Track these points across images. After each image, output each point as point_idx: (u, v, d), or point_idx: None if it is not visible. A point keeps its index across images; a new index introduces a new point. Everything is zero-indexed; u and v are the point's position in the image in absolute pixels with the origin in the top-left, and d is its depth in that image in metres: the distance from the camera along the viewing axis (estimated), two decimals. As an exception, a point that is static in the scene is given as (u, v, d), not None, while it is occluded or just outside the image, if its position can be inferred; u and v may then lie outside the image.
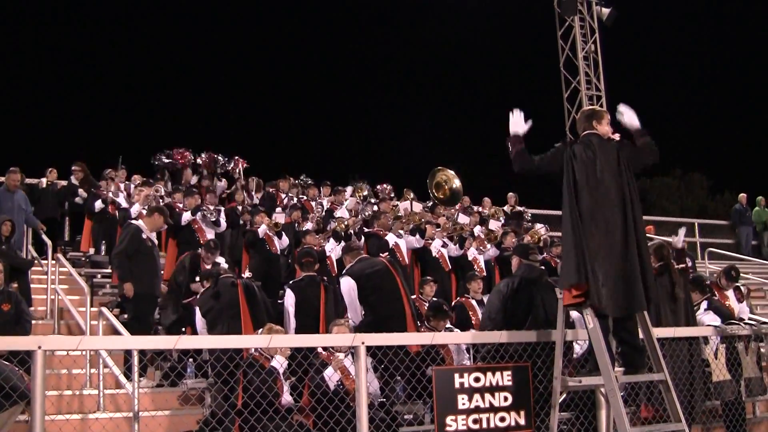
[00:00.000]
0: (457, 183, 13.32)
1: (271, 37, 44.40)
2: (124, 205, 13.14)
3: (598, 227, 5.75)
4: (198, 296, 9.38)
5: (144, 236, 9.98)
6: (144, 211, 11.61)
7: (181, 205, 13.11)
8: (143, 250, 9.89)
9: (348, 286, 8.58)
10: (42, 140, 32.01)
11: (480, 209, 16.69)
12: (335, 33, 46.46)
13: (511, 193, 17.74)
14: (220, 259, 10.99)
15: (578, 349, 8.60)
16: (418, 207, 14.70)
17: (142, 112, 38.31)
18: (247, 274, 9.45)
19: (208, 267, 10.41)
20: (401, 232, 12.95)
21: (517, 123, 6.21)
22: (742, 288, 12.26)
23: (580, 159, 5.90)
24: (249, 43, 44.10)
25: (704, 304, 9.11)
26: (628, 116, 6.27)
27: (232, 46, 45.13)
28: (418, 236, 13.00)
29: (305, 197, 15.60)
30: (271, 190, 15.67)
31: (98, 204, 13.49)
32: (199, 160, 15.83)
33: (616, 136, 6.24)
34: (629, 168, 6.01)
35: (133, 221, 10.34)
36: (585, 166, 5.87)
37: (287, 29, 46.42)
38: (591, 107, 6.87)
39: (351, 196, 15.71)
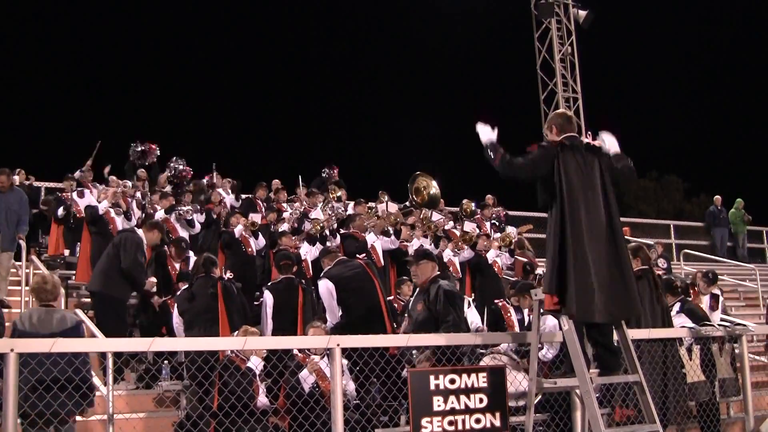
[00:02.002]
0: (435, 189, 13.40)
1: (259, 41, 44.29)
2: (93, 203, 12.76)
3: (591, 233, 5.70)
4: (177, 294, 9.37)
5: (144, 249, 10.02)
6: (111, 209, 11.65)
7: (158, 207, 13.07)
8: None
9: (326, 288, 8.57)
10: (9, 139, 31.72)
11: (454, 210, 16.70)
12: (313, 38, 46.54)
13: (489, 195, 17.79)
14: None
15: (546, 352, 8.66)
16: (393, 208, 14.69)
17: (116, 111, 38.04)
18: (228, 275, 9.42)
19: (177, 265, 10.69)
20: (389, 229, 12.99)
21: (487, 132, 6.03)
22: (720, 297, 12.27)
23: (573, 162, 5.86)
24: (240, 45, 44.09)
25: (677, 306, 9.15)
26: (609, 141, 6.26)
27: (221, 47, 45.09)
28: (393, 237, 13.02)
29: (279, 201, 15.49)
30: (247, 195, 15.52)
31: (60, 211, 13.02)
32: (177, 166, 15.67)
33: (598, 143, 6.24)
34: (610, 174, 6.01)
35: (137, 232, 10.22)
36: (578, 170, 5.83)
37: (274, 33, 46.34)
38: (564, 111, 6.82)
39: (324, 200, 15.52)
